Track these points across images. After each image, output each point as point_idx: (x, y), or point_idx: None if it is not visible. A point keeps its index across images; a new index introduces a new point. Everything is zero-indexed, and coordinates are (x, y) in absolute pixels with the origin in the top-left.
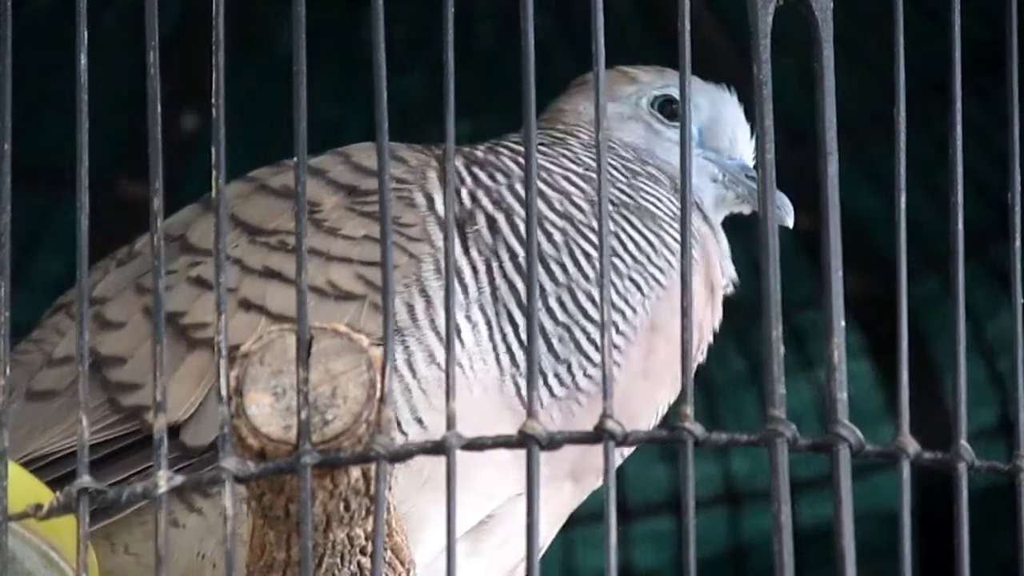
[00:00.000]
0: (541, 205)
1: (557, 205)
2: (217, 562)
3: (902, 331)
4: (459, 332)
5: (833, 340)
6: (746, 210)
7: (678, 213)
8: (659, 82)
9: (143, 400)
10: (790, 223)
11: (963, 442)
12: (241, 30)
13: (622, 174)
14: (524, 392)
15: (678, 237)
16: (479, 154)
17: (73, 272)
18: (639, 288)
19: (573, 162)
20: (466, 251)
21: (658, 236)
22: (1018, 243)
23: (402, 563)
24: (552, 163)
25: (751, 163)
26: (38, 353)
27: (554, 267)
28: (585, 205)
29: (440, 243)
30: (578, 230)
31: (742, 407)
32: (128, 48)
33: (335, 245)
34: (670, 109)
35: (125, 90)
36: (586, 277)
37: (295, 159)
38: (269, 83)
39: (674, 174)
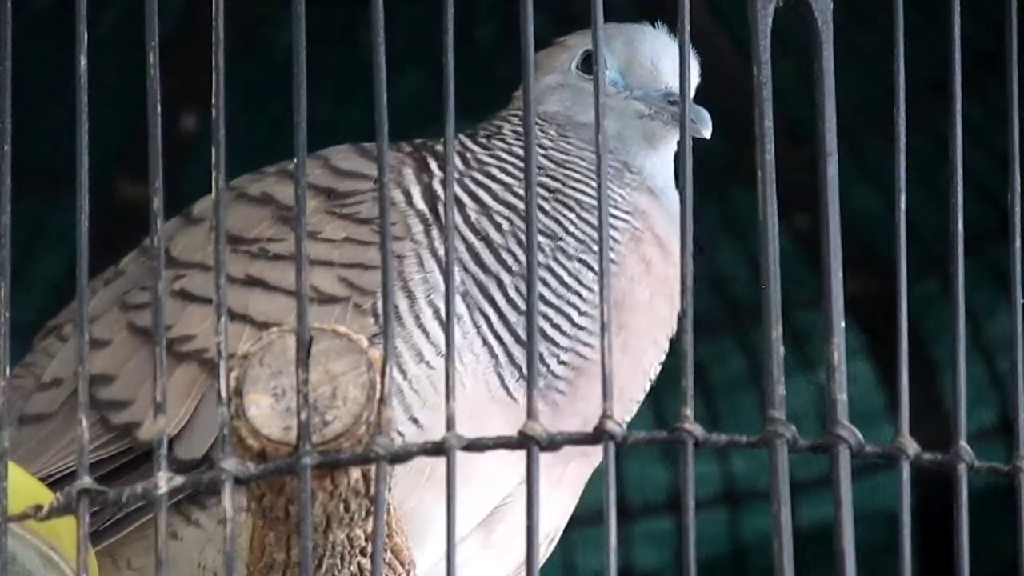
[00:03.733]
0: (485, 196)
1: (500, 194)
2: (218, 571)
3: (902, 331)
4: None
5: (833, 340)
6: (667, 130)
7: (605, 195)
8: (583, 41)
9: (133, 417)
10: (707, 134)
11: (963, 443)
12: (241, 30)
13: (552, 161)
14: (508, 383)
15: (617, 217)
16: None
17: (73, 272)
18: (589, 268)
19: (508, 152)
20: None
21: (596, 218)
22: (1018, 243)
23: (402, 564)
24: (489, 155)
25: (675, 87)
26: (30, 377)
27: (506, 256)
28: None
29: (420, 237)
30: (521, 218)
31: (742, 408)
32: (128, 48)
33: (316, 249)
34: (590, 62)
35: (125, 90)
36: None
37: (285, 162)
38: (269, 83)
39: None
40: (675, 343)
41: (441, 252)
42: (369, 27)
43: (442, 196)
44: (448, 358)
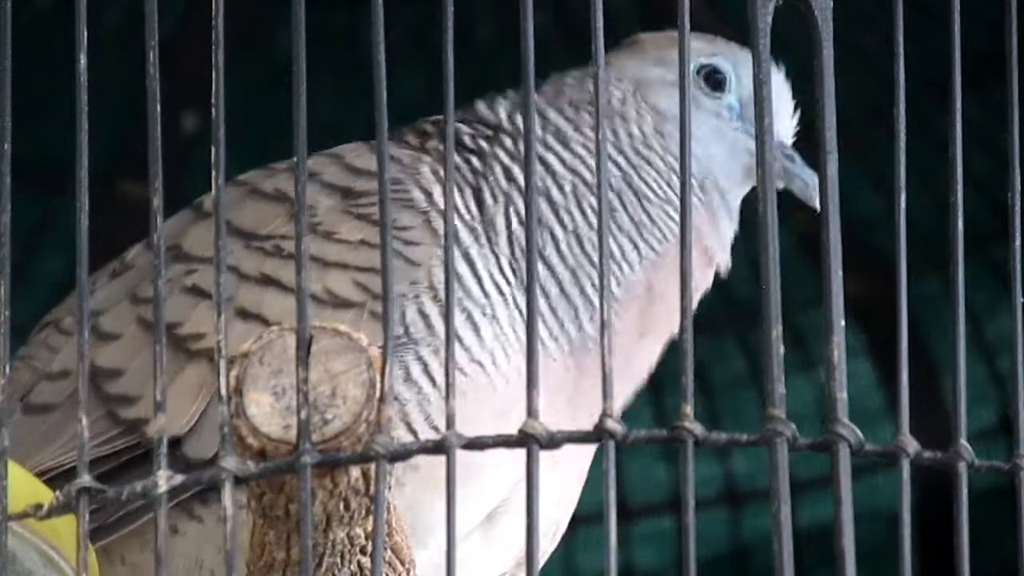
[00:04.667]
0: (553, 160)
1: (568, 162)
2: (216, 569)
3: (902, 331)
4: (479, 331)
5: (833, 339)
6: (778, 186)
7: (671, 197)
8: (708, 50)
9: (142, 412)
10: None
11: (963, 441)
12: (241, 30)
13: (632, 149)
14: (547, 343)
15: (672, 218)
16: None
17: (73, 272)
18: (636, 247)
19: (592, 128)
20: (480, 203)
21: (657, 212)
22: (1018, 243)
23: (402, 563)
24: (571, 128)
25: (790, 140)
26: (27, 370)
27: (563, 214)
28: (594, 167)
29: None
30: (586, 184)
31: (742, 407)
32: (128, 48)
33: (331, 250)
34: (715, 79)
35: (125, 90)
36: (590, 225)
37: (294, 159)
38: (269, 83)
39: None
40: (675, 341)
41: (472, 253)
42: (369, 27)
43: (480, 167)
44: (448, 358)
